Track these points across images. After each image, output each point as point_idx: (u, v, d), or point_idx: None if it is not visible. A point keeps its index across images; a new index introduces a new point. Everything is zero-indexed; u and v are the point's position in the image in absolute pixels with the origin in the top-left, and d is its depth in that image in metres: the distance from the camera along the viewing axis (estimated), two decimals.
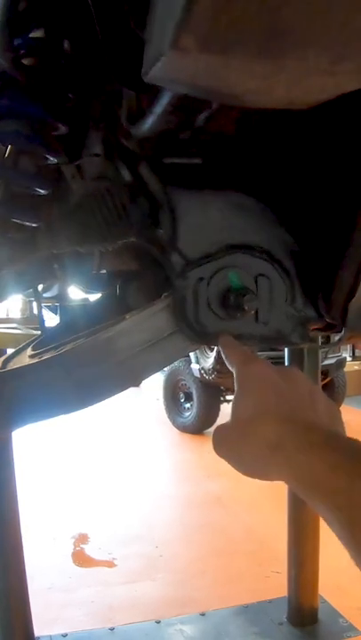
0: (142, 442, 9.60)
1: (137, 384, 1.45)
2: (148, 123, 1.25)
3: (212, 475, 7.81)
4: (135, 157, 1.43)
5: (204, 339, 1.44)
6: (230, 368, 1.21)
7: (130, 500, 6.97)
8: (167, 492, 7.38)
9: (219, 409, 9.78)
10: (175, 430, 10.12)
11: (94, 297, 2.43)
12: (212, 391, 9.54)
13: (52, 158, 1.53)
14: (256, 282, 1.45)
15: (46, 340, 1.90)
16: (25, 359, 1.74)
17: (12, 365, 1.73)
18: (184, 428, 10.03)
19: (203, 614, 4.48)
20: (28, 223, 1.60)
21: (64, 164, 1.59)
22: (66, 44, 1.41)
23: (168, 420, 10.31)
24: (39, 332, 2.17)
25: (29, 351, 1.80)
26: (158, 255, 1.47)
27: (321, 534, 4.31)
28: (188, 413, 9.96)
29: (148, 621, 4.40)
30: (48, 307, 5.63)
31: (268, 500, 6.71)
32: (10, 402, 1.38)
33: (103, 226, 1.50)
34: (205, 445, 9.34)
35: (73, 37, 1.40)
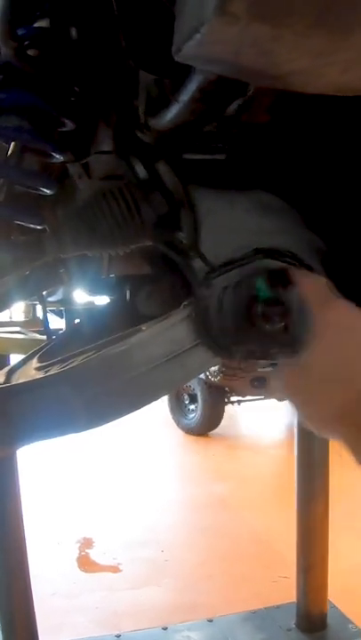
0: (147, 443, 9.56)
1: (154, 401, 1.34)
2: (172, 113, 1.13)
3: (216, 477, 7.78)
4: (152, 153, 1.34)
5: (227, 352, 1.31)
6: (307, 306, 1.14)
7: (134, 504, 6.92)
8: (172, 494, 7.33)
9: (223, 410, 9.75)
10: (180, 432, 10.08)
11: (100, 300, 2.36)
12: (216, 393, 9.48)
13: (57, 156, 1.45)
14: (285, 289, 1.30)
15: (54, 349, 1.81)
16: (31, 371, 1.65)
17: (17, 378, 1.64)
18: (188, 430, 9.99)
19: (210, 620, 4.42)
20: (32, 225, 1.51)
21: (70, 162, 1.51)
22: (73, 32, 1.32)
23: (173, 421, 10.26)
24: (43, 337, 2.10)
25: (35, 362, 1.70)
26: (179, 260, 1.35)
27: (329, 537, 4.25)
28: (192, 415, 9.91)
29: (155, 628, 4.33)
30: (53, 311, 5.58)
31: (274, 503, 6.66)
32: (14, 419, 1.30)
33: (114, 228, 1.39)
34: (210, 447, 9.31)
35: (80, 24, 1.32)
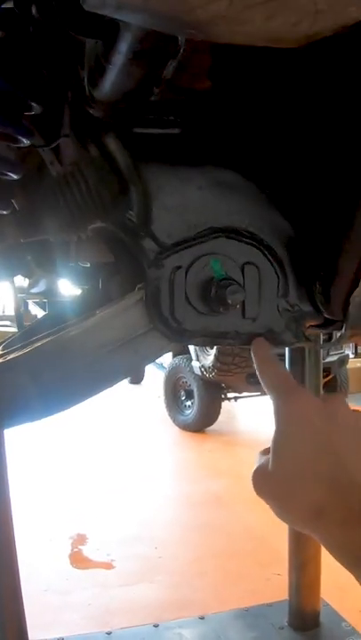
0: (142, 439, 9.56)
1: (108, 388, 1.30)
2: (109, 79, 1.08)
3: (211, 474, 7.77)
4: (102, 129, 1.29)
5: (181, 337, 1.28)
6: (265, 390, 1.12)
7: (128, 500, 6.90)
8: (166, 491, 7.31)
9: (220, 407, 9.76)
10: (175, 428, 10.07)
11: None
12: (213, 389, 9.48)
13: (24, 140, 1.40)
14: (243, 271, 1.28)
15: (19, 338, 1.77)
16: None
17: None
18: (185, 426, 9.99)
19: (202, 618, 4.38)
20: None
21: (41, 147, 1.47)
22: (33, 10, 1.26)
23: (169, 417, 10.25)
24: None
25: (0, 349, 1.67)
26: (128, 240, 1.29)
27: None
28: (188, 411, 9.92)
29: (146, 625, 4.30)
30: (36, 302, 5.58)
31: None
32: None
33: (73, 212, 1.35)
34: (206, 444, 9.30)
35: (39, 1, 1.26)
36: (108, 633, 4.21)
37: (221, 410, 9.87)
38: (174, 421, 10.18)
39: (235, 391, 9.69)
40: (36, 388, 1.22)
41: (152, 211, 1.25)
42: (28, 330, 1.84)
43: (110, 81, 1.09)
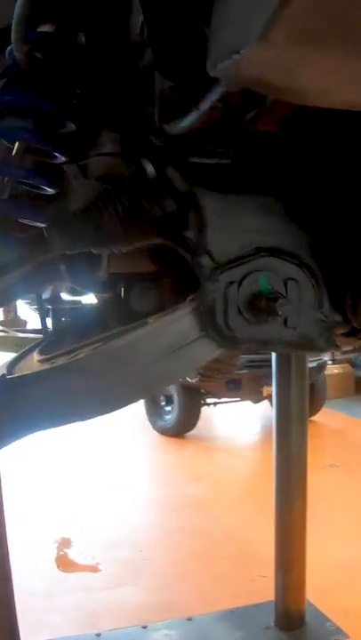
0: (123, 444, 9.58)
1: (160, 390, 1.42)
2: (190, 120, 1.21)
3: (192, 478, 7.81)
4: (162, 155, 1.41)
5: (232, 343, 1.41)
6: None
7: (112, 504, 6.94)
8: (148, 495, 7.37)
9: (199, 412, 9.79)
10: (155, 433, 10.10)
11: (86, 299, 2.39)
12: (192, 394, 9.52)
13: (59, 157, 1.50)
14: (285, 286, 1.43)
15: (52, 344, 1.86)
16: (33, 364, 1.71)
17: (20, 370, 1.69)
18: (164, 431, 10.01)
19: (189, 619, 4.45)
20: (35, 223, 1.56)
21: (68, 163, 1.56)
22: (81, 38, 1.38)
23: (148, 422, 10.28)
24: (25, 335, 2.13)
25: (37, 355, 1.76)
26: (188, 257, 1.45)
27: (307, 537, 4.30)
28: (168, 416, 9.94)
29: (135, 626, 4.36)
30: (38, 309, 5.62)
31: (248, 504, 6.71)
32: (20, 408, 1.34)
33: (120, 227, 1.47)
34: (186, 448, 9.34)
35: (89, 32, 1.38)
36: (98, 634, 4.27)
37: (200, 415, 9.93)
38: (154, 426, 10.19)
39: (214, 397, 9.74)
40: (89, 390, 1.31)
41: (208, 232, 1.41)
42: (55, 336, 1.92)
43: (190, 121, 1.20)
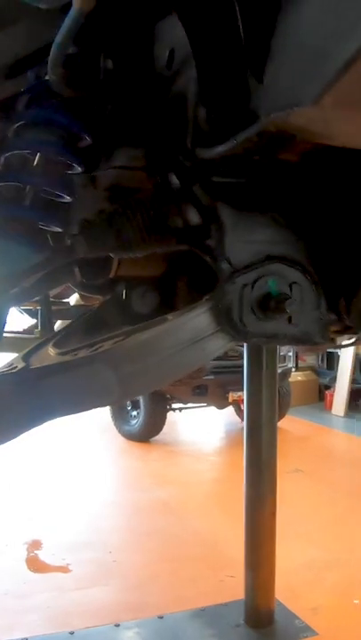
0: (89, 448, 9.62)
1: (179, 378, 1.59)
2: (224, 148, 1.41)
3: (158, 482, 7.89)
4: (187, 173, 1.60)
5: (244, 337, 1.62)
6: None
7: (80, 507, 6.99)
8: (116, 498, 7.42)
9: (165, 417, 9.86)
10: (121, 437, 10.15)
11: (74, 301, 2.49)
12: (158, 399, 9.58)
13: (77, 168, 1.62)
14: (290, 288, 1.65)
15: (65, 339, 1.98)
16: (51, 357, 1.82)
17: (37, 363, 1.80)
18: (130, 436, 10.06)
19: (160, 617, 4.52)
20: (55, 228, 1.69)
21: (79, 173, 1.69)
22: (108, 64, 1.53)
23: (114, 427, 10.32)
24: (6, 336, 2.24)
25: (53, 349, 1.87)
26: (210, 262, 1.64)
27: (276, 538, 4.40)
28: (134, 421, 9.99)
29: (107, 625, 4.43)
30: (27, 310, 5.68)
31: (215, 507, 6.80)
32: (48, 395, 1.46)
33: (140, 234, 1.63)
34: (152, 453, 9.41)
35: (115, 56, 1.52)
36: (71, 633, 4.34)
37: (166, 420, 9.99)
38: (120, 431, 10.24)
39: (180, 402, 9.83)
40: (117, 377, 1.44)
41: (227, 241, 1.63)
42: (62, 333, 2.04)
43: (224, 149, 1.39)
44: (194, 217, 1.65)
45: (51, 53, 1.40)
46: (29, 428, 1.50)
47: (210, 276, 1.65)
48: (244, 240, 1.64)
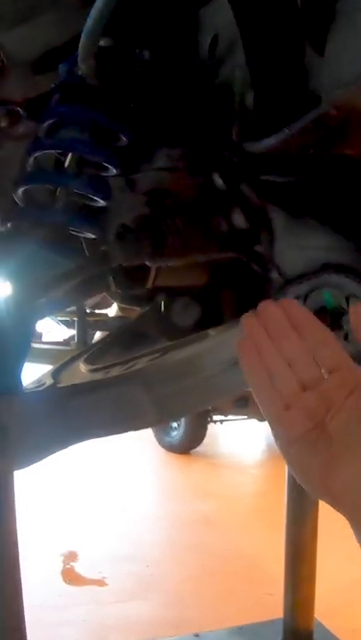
0: (128, 460, 9.57)
1: (222, 400, 1.47)
2: (276, 139, 1.25)
3: (199, 494, 7.81)
4: (233, 172, 1.44)
5: None
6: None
7: (117, 519, 6.93)
8: (155, 511, 7.36)
9: (206, 429, 9.77)
10: (161, 449, 10.09)
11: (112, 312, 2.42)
12: (199, 411, 9.51)
13: (112, 169, 1.53)
14: (347, 302, 1.45)
15: (98, 354, 1.90)
16: (82, 374, 1.74)
17: (68, 380, 1.72)
18: (170, 448, 9.99)
19: (197, 635, 4.45)
20: (88, 235, 1.59)
21: (117, 176, 1.59)
22: (145, 55, 1.42)
23: (154, 438, 10.26)
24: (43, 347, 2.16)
25: (84, 365, 1.79)
26: (260, 271, 1.48)
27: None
28: (175, 433, 9.92)
29: None
30: (64, 321, 5.65)
31: (257, 521, 6.71)
32: (76, 416, 1.37)
33: (178, 241, 1.51)
34: (192, 465, 9.33)
35: (154, 47, 1.42)
36: None
37: (207, 432, 9.92)
38: (160, 442, 10.18)
39: (221, 414, 9.74)
40: (151, 399, 1.34)
41: (277, 247, 1.44)
42: (96, 347, 1.96)
43: (276, 140, 1.24)
44: (241, 220, 1.50)
45: (80, 42, 1.30)
46: (55, 452, 1.42)
47: (258, 287, 1.51)
48: (297, 246, 1.47)
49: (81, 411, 1.38)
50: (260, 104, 1.28)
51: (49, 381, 1.70)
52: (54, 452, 1.42)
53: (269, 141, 1.26)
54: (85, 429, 1.40)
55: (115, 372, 1.51)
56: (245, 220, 1.49)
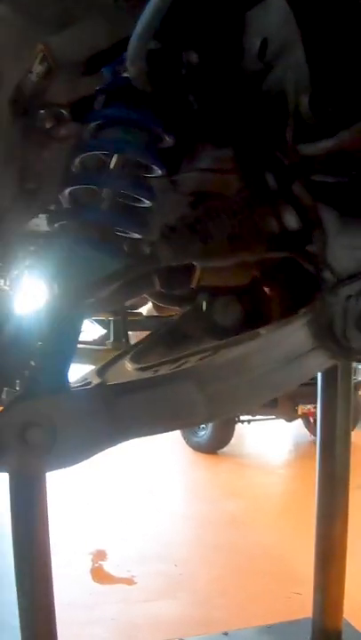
0: (156, 459, 9.57)
1: (271, 399, 1.48)
2: (333, 141, 1.26)
3: (227, 494, 7.81)
4: (287, 172, 1.46)
5: (347, 354, 1.46)
6: None
7: (145, 518, 6.95)
8: (183, 510, 7.38)
9: (233, 429, 9.77)
10: (188, 449, 10.09)
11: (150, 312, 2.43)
12: None
13: (157, 170, 1.55)
14: None
15: (143, 353, 1.91)
16: (128, 372, 1.75)
17: (114, 378, 1.74)
18: (198, 447, 10.00)
19: (226, 634, 4.43)
20: (134, 234, 1.60)
21: (161, 177, 1.61)
22: (193, 57, 1.44)
23: (182, 438, 10.26)
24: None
25: (131, 364, 1.80)
26: (312, 270, 1.49)
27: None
28: (202, 432, 9.92)
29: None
30: (99, 321, 5.66)
31: (285, 521, 6.71)
32: (124, 414, 1.39)
33: (226, 241, 1.52)
34: (220, 465, 9.33)
35: (201, 50, 1.43)
36: None
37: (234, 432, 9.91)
38: (187, 442, 10.18)
39: (248, 414, 9.72)
40: (203, 397, 1.35)
41: (330, 248, 1.46)
42: (141, 346, 1.97)
43: (331, 143, 1.24)
44: (293, 220, 1.51)
45: (130, 44, 1.32)
46: (102, 450, 1.43)
47: (305, 287, 1.52)
48: (349, 246, 1.48)
49: (130, 409, 1.39)
50: (317, 106, 1.29)
51: (95, 380, 1.71)
52: (101, 449, 1.43)
53: (327, 143, 1.28)
54: (133, 427, 1.42)
55: (164, 370, 1.53)
56: (298, 220, 1.50)
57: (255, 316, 1.87)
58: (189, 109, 1.54)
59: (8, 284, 3.16)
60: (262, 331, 1.43)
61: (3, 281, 3.12)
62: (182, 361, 1.50)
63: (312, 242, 1.49)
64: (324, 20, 1.20)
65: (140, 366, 1.73)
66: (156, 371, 1.57)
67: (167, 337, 2.00)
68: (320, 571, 4.33)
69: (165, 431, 1.44)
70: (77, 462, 1.42)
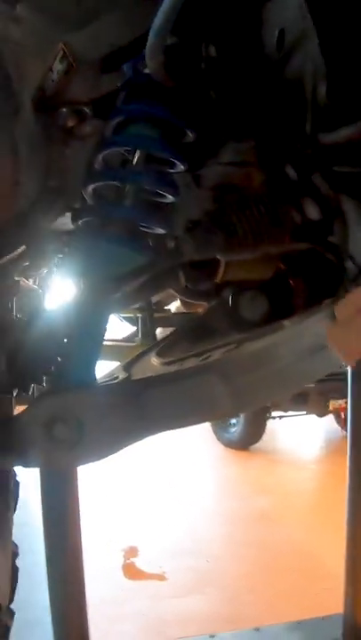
0: (187, 456, 9.59)
1: (297, 390, 1.47)
2: (353, 129, 1.26)
3: (258, 490, 7.81)
4: (308, 163, 1.46)
5: None
6: None
7: (177, 515, 6.98)
8: (214, 507, 7.39)
9: (265, 425, 9.75)
10: (220, 445, 10.09)
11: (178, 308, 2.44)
12: (258, 407, 9.47)
13: (179, 165, 1.55)
14: None
15: (169, 348, 1.92)
16: (154, 367, 1.76)
17: (140, 372, 1.75)
18: (229, 444, 9.99)
19: (257, 629, 4.43)
20: (158, 230, 1.61)
21: (184, 172, 1.61)
22: (211, 51, 1.44)
23: (213, 434, 10.25)
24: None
25: (156, 359, 1.81)
26: (335, 260, 1.49)
27: None
28: (233, 429, 9.91)
29: (202, 635, 4.36)
30: (127, 318, 5.68)
31: (315, 517, 6.70)
32: (152, 408, 1.40)
33: (250, 234, 1.52)
34: (251, 461, 9.33)
35: (220, 43, 1.44)
36: None
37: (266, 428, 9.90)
38: (219, 438, 10.17)
39: (279, 410, 9.70)
40: (228, 390, 1.36)
41: (351, 238, 1.44)
42: (168, 340, 1.98)
43: (351, 131, 1.24)
44: (314, 212, 1.49)
45: (148, 39, 1.32)
46: (129, 444, 1.44)
47: (328, 278, 1.52)
48: None
49: (157, 402, 1.39)
50: (334, 94, 1.28)
51: (122, 375, 1.72)
52: (129, 444, 1.43)
53: (347, 131, 1.27)
54: (161, 421, 1.42)
55: (189, 363, 1.53)
56: (319, 212, 1.49)
57: (281, 309, 1.85)
58: (210, 103, 1.54)
59: (37, 282, 3.19)
60: (286, 322, 1.42)
61: (32, 280, 3.14)
62: (207, 354, 1.51)
63: (333, 233, 1.49)
64: (341, 7, 1.20)
65: (165, 361, 1.74)
66: (182, 365, 1.57)
67: (193, 332, 2.00)
68: (351, 566, 4.31)
69: (190, 424, 1.43)
70: (105, 457, 1.42)
